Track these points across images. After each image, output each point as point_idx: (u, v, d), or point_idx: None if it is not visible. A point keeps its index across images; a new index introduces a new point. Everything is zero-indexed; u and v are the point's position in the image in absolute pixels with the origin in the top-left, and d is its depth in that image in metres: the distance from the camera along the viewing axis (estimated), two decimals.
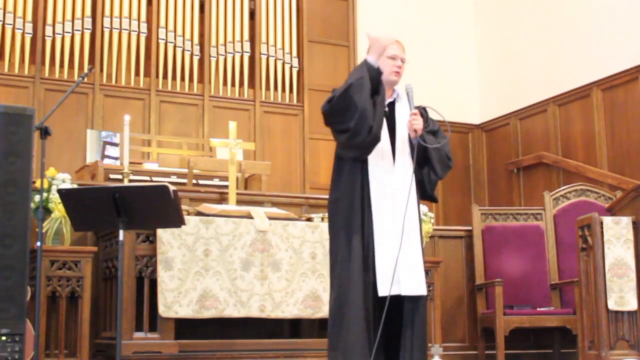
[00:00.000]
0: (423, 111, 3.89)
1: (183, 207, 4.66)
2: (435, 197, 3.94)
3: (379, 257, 3.65)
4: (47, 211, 4.94)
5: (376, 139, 3.65)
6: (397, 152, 3.77)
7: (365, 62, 3.67)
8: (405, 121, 3.78)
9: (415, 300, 3.70)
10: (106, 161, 6.99)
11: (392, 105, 3.87)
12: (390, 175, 3.73)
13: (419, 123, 3.71)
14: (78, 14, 7.69)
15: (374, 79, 3.63)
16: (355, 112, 3.55)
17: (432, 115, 3.93)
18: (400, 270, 3.63)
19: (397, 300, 3.66)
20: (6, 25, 7.41)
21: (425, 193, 3.87)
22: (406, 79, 3.90)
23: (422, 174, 3.84)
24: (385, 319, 3.58)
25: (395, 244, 3.62)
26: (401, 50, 3.86)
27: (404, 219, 3.63)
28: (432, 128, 3.86)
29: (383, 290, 3.61)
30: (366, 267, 3.65)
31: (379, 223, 3.69)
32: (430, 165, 3.81)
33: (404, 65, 3.85)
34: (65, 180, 5.04)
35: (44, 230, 4.83)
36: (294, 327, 5.70)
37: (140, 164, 6.81)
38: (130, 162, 5.91)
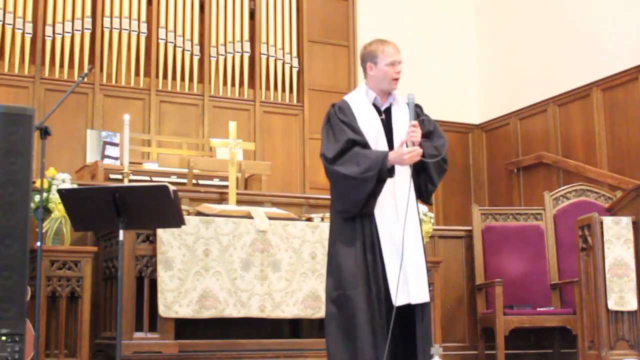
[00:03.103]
0: (419, 111, 3.82)
1: (183, 207, 4.66)
2: (430, 202, 3.91)
3: (389, 268, 3.63)
4: (47, 211, 4.94)
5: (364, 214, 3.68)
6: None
7: (382, 161, 3.60)
8: (403, 127, 3.71)
9: (423, 307, 3.70)
10: (106, 161, 6.98)
11: (388, 110, 3.83)
12: (390, 184, 3.69)
13: (417, 135, 3.63)
14: (78, 14, 7.69)
15: (381, 180, 3.62)
16: (346, 203, 3.65)
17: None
18: (406, 280, 3.61)
19: (406, 308, 3.65)
20: (6, 25, 7.41)
21: (420, 197, 3.85)
22: (406, 79, 3.89)
23: (420, 181, 3.79)
24: (397, 328, 3.58)
25: (399, 255, 3.61)
26: (398, 52, 3.80)
27: (404, 229, 3.61)
28: (428, 128, 3.80)
29: (396, 300, 3.58)
30: (377, 280, 3.64)
31: (384, 236, 3.66)
32: (427, 174, 3.76)
33: (400, 67, 3.79)
34: (65, 180, 5.04)
35: (44, 230, 4.83)
36: (294, 327, 5.70)
37: (140, 164, 6.81)
38: (130, 162, 5.90)
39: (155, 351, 4.85)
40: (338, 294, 3.69)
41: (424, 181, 3.78)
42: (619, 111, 7.53)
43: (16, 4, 7.46)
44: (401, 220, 3.63)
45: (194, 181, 6.47)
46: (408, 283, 3.61)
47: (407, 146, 3.68)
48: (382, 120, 3.78)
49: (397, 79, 3.77)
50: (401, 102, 3.82)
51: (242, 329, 5.36)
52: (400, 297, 3.58)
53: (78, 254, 4.99)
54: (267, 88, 8.45)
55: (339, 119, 3.74)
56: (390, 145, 3.75)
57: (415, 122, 3.67)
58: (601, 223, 4.87)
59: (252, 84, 8.42)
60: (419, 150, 3.61)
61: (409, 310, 3.66)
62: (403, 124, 3.73)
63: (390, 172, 3.63)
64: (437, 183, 3.79)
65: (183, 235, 4.96)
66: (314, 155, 8.38)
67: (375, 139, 3.74)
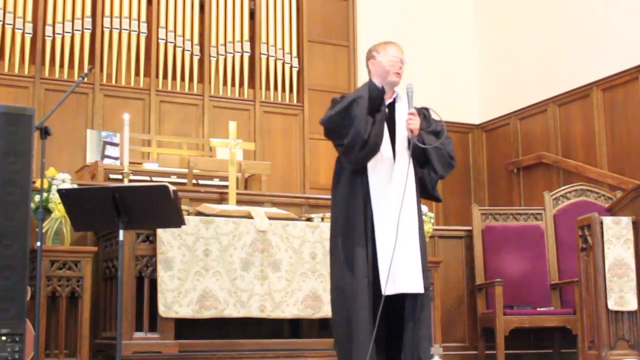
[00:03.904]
0: (425, 112, 3.92)
1: (183, 207, 4.66)
2: (437, 196, 3.97)
3: (381, 257, 3.68)
4: (47, 211, 4.94)
5: (371, 153, 3.72)
6: (397, 152, 3.80)
7: (368, 82, 3.74)
8: (404, 121, 3.79)
9: (415, 298, 3.72)
10: (106, 161, 6.99)
11: (392, 105, 3.90)
12: (390, 175, 3.76)
13: (415, 123, 3.74)
14: (78, 14, 7.69)
15: (376, 98, 3.70)
16: (350, 129, 3.65)
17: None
18: (397, 269, 3.64)
19: (399, 299, 3.68)
20: (6, 25, 7.41)
21: (426, 192, 3.90)
22: (406, 79, 3.92)
23: (423, 173, 3.87)
24: (387, 318, 3.60)
25: (392, 244, 3.65)
26: (401, 52, 3.89)
27: (398, 218, 3.65)
28: (434, 128, 3.88)
29: (386, 290, 3.63)
30: (368, 267, 3.68)
31: (379, 223, 3.72)
32: (430, 164, 3.83)
33: (403, 66, 3.87)
34: (65, 180, 5.04)
35: (44, 230, 4.83)
36: (294, 327, 5.70)
37: (140, 164, 6.81)
38: (130, 162, 5.90)
39: (155, 351, 4.84)
40: (339, 283, 3.77)
41: (428, 171, 3.85)
42: (619, 111, 7.53)
43: (16, 4, 7.46)
44: (397, 210, 3.67)
45: (194, 181, 6.47)
46: (397, 273, 3.64)
47: (406, 139, 3.77)
48: (384, 113, 3.82)
49: (397, 73, 3.84)
50: (404, 99, 3.87)
51: (242, 329, 5.37)
52: (388, 287, 3.63)
53: (78, 254, 4.98)
54: (267, 88, 8.45)
55: (340, 100, 3.85)
56: (392, 139, 3.81)
57: (414, 111, 3.75)
58: (601, 223, 4.87)
59: (252, 84, 8.42)
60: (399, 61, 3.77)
61: (403, 301, 3.71)
62: (405, 118, 3.79)
63: (383, 91, 3.74)
64: (440, 172, 3.84)
65: (183, 235, 4.96)
66: (314, 155, 8.40)
67: None
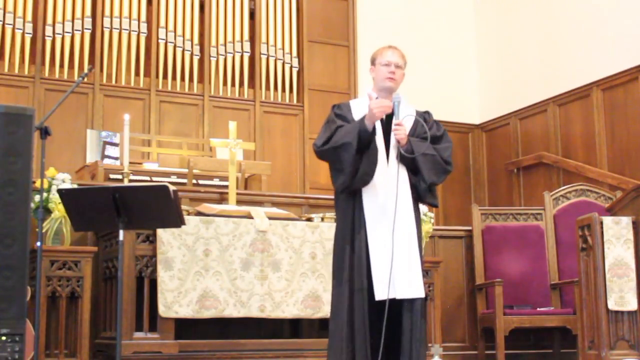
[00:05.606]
0: (427, 116, 3.94)
1: (183, 207, 4.66)
2: (431, 202, 3.92)
3: (374, 262, 3.69)
4: (47, 211, 4.94)
5: (362, 186, 3.75)
6: (390, 159, 3.81)
7: (359, 124, 3.71)
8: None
9: (413, 302, 3.72)
10: (106, 161, 6.99)
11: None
12: (383, 181, 3.76)
13: (400, 133, 3.73)
14: (78, 14, 7.69)
15: (364, 140, 3.69)
16: (339, 174, 3.74)
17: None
18: (395, 273, 3.65)
19: (394, 304, 3.69)
20: (6, 25, 7.41)
21: (420, 198, 3.89)
22: (407, 79, 3.92)
23: (416, 180, 3.85)
24: (381, 323, 3.61)
25: (388, 249, 3.66)
26: (397, 56, 3.87)
27: (393, 223, 3.67)
28: (434, 133, 3.87)
29: (379, 295, 3.65)
30: (361, 273, 3.70)
31: (372, 229, 3.72)
32: (419, 172, 3.81)
33: (400, 71, 3.86)
34: (65, 180, 5.04)
35: (44, 230, 4.83)
36: (294, 327, 5.70)
37: (140, 164, 6.81)
38: (130, 162, 5.90)
39: (155, 351, 4.85)
40: (333, 289, 3.81)
41: (418, 179, 3.83)
42: (619, 111, 7.53)
43: (16, 4, 7.46)
44: (390, 215, 3.69)
45: (194, 181, 6.47)
46: (394, 277, 3.64)
47: (397, 148, 3.77)
48: (381, 120, 3.81)
49: (389, 78, 3.83)
50: (403, 104, 3.85)
51: (242, 329, 5.37)
52: (384, 292, 3.64)
53: (78, 254, 4.99)
54: (267, 88, 8.45)
55: (335, 114, 3.88)
56: (387, 145, 3.81)
57: (400, 121, 3.75)
58: (601, 223, 4.87)
59: (252, 84, 8.42)
60: (387, 103, 3.72)
61: (399, 306, 3.71)
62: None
63: (373, 133, 3.72)
64: (429, 180, 3.80)
65: (183, 235, 4.96)
66: (314, 155, 8.37)
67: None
